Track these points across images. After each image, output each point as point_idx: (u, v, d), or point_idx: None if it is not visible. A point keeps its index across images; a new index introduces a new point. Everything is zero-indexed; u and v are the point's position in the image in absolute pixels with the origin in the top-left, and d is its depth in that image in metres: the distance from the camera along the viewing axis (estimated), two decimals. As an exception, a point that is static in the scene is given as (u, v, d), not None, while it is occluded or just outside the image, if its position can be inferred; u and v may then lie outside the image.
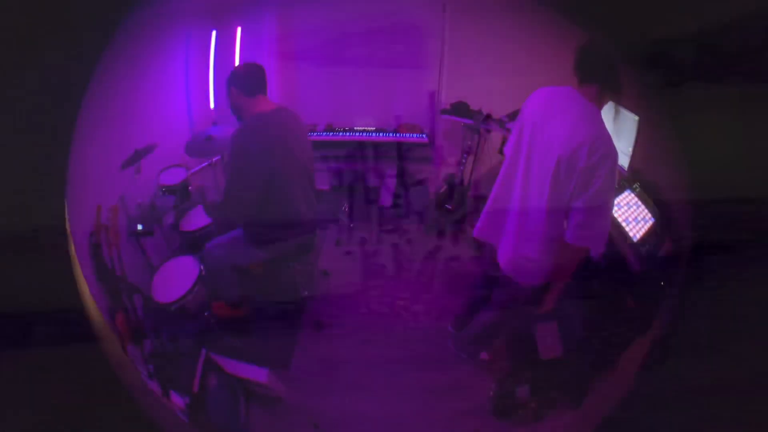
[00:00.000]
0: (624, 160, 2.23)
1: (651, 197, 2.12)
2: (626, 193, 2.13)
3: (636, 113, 2.13)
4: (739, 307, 1.74)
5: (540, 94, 1.74)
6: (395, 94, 3.31)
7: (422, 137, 3.24)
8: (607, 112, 2.20)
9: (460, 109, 3.25)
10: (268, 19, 3.12)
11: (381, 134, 3.26)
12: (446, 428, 1.95)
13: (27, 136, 1.56)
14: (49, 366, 1.58)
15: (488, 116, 3.07)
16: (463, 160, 3.28)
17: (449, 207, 3.19)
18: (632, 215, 2.05)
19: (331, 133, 3.23)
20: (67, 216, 1.77)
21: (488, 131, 3.05)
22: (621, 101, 1.74)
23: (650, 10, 1.67)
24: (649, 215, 2.06)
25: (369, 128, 3.28)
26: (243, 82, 1.90)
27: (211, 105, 2.97)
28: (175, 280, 2.08)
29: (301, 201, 2.02)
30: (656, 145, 2.07)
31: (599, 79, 1.60)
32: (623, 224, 2.00)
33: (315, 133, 3.21)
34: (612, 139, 1.60)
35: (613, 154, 1.57)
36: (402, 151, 3.34)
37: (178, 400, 1.80)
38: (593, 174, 1.54)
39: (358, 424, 1.92)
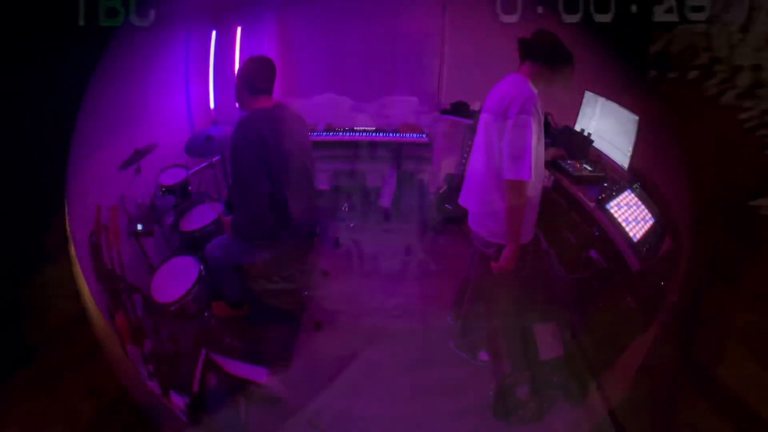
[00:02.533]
0: (624, 160, 2.23)
1: (651, 197, 2.12)
2: (626, 193, 2.13)
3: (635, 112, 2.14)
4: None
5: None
6: (395, 94, 3.31)
7: (422, 137, 3.25)
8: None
9: (460, 109, 3.26)
10: (268, 19, 3.13)
11: (381, 134, 3.26)
12: (446, 428, 1.95)
13: (28, 135, 1.56)
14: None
15: (488, 116, 3.08)
16: (463, 160, 3.29)
17: (449, 207, 3.19)
18: (632, 215, 2.05)
19: (331, 133, 3.23)
20: (67, 216, 1.77)
21: (488, 131, 3.06)
22: (569, 76, 1.91)
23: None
24: (649, 215, 2.06)
25: (369, 128, 3.29)
26: (247, 80, 1.91)
27: (211, 105, 2.98)
28: (175, 280, 2.07)
29: (299, 200, 2.02)
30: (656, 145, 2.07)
31: (530, 56, 1.84)
32: (623, 224, 2.00)
33: (315, 133, 3.21)
34: (527, 89, 1.79)
35: (521, 97, 1.76)
36: (402, 151, 3.35)
37: (178, 400, 1.80)
38: (506, 115, 1.79)
39: (358, 425, 1.92)
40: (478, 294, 2.13)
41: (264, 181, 1.87)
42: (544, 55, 1.83)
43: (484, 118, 1.93)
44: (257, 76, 1.94)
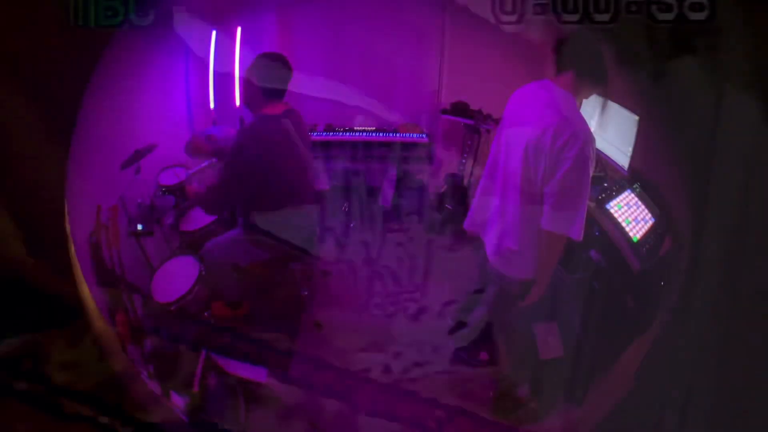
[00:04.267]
0: (624, 160, 2.23)
1: (651, 197, 2.12)
2: (626, 193, 2.13)
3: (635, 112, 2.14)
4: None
5: (519, 91, 1.72)
6: (395, 94, 3.32)
7: (422, 137, 3.25)
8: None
9: (460, 109, 3.26)
10: (268, 19, 3.12)
11: (381, 134, 3.26)
12: (446, 428, 1.95)
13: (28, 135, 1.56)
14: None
15: (488, 116, 3.08)
16: (463, 160, 3.29)
17: (449, 207, 3.19)
18: (632, 215, 2.05)
19: (331, 133, 3.23)
20: (67, 216, 1.76)
21: (488, 131, 3.05)
22: (606, 91, 1.73)
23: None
24: (649, 215, 2.06)
25: (369, 128, 3.29)
26: (265, 81, 1.81)
27: (211, 105, 2.97)
28: (175, 280, 2.07)
29: (302, 202, 2.02)
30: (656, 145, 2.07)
31: (574, 65, 1.57)
32: (623, 224, 2.00)
33: (315, 133, 3.21)
34: (583, 123, 1.56)
35: (581, 136, 1.50)
36: (402, 151, 3.35)
37: (178, 400, 1.80)
38: (560, 157, 1.51)
39: (358, 425, 1.92)
40: (490, 315, 2.05)
41: (273, 186, 1.85)
42: (593, 70, 1.57)
43: (517, 138, 1.62)
44: (276, 77, 1.85)
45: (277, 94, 1.88)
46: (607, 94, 1.73)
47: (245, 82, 1.88)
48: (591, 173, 1.53)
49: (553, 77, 1.64)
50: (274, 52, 1.94)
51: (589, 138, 1.53)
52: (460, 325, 2.28)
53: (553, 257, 1.64)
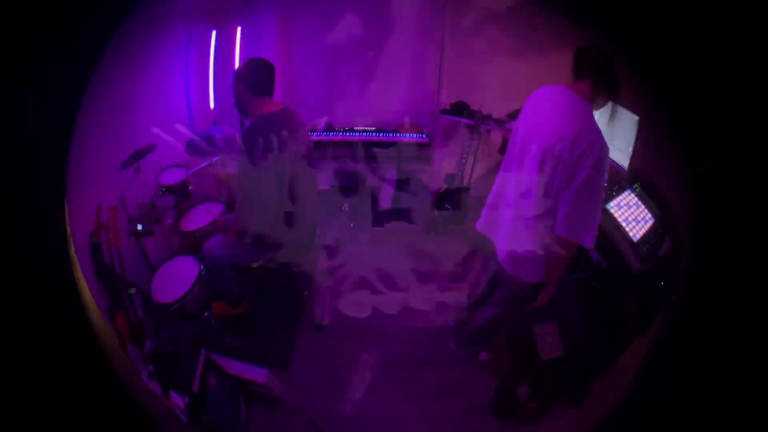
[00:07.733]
0: (624, 160, 2.23)
1: (651, 197, 2.12)
2: (626, 193, 2.13)
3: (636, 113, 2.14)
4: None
5: (536, 93, 1.75)
6: (395, 94, 3.31)
7: (422, 137, 3.24)
8: (604, 111, 2.22)
9: (460, 109, 3.25)
10: (268, 19, 3.12)
11: (381, 134, 3.26)
12: (447, 428, 1.95)
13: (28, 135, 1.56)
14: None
15: (488, 116, 3.08)
16: (463, 160, 3.29)
17: (449, 207, 3.19)
18: (632, 215, 2.05)
19: (331, 133, 3.23)
20: (67, 216, 1.77)
21: (488, 131, 3.05)
22: (619, 100, 1.78)
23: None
24: (649, 215, 2.06)
25: (369, 128, 3.28)
26: (251, 81, 1.87)
27: (211, 105, 2.97)
28: (175, 280, 2.07)
29: (304, 201, 2.03)
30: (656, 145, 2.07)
31: (592, 74, 1.61)
32: (623, 224, 2.00)
33: (315, 133, 3.21)
34: (600, 133, 1.59)
35: (598, 145, 1.54)
36: (402, 151, 3.34)
37: (178, 400, 1.80)
38: (578, 165, 1.54)
39: (357, 425, 1.92)
40: (498, 316, 2.05)
41: (276, 188, 1.86)
42: (610, 80, 1.62)
43: (534, 144, 1.66)
44: (261, 76, 1.91)
45: (267, 93, 1.91)
46: (617, 105, 1.76)
47: (235, 87, 1.91)
48: (605, 183, 1.57)
49: (570, 83, 1.66)
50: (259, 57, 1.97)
51: (605, 148, 1.56)
52: (462, 324, 2.28)
53: (563, 262, 1.68)
